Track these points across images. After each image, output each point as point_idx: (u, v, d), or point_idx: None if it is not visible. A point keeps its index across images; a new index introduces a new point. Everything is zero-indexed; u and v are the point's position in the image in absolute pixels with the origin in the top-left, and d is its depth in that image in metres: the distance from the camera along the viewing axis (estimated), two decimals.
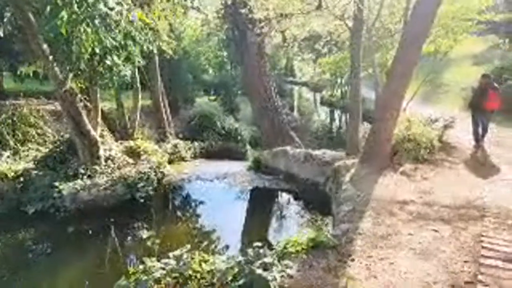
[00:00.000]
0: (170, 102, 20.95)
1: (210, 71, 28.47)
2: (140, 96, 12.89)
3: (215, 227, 7.82)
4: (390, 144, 8.36)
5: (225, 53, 25.64)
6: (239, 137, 16.86)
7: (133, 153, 10.23)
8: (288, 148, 10.40)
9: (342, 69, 20.32)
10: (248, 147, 17.01)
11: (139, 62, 6.93)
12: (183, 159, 13.78)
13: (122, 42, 6.59)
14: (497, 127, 11.76)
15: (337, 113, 30.18)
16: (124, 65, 6.77)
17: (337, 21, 10.02)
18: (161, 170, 10.08)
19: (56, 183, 8.04)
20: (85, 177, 8.41)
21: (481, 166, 8.50)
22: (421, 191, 6.75)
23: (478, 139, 9.32)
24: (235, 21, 11.93)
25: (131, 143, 10.66)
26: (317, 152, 9.53)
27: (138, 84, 12.64)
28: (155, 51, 10.15)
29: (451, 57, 23.80)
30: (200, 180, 10.34)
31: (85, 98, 9.63)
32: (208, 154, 15.75)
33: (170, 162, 13.04)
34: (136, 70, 12.33)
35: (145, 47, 6.80)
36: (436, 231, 4.88)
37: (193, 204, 9.33)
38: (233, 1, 8.20)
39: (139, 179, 8.85)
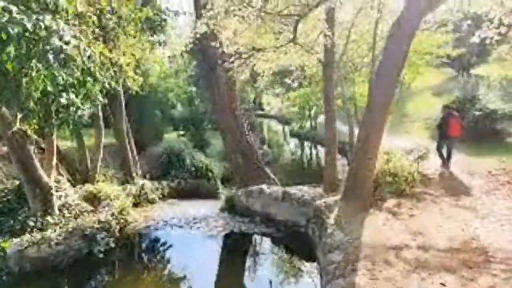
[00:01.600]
0: (137, 139, 20.03)
1: (179, 106, 27.97)
2: (103, 134, 11.95)
3: (185, 277, 6.93)
4: (372, 179, 8.02)
5: (194, 89, 25.35)
6: (210, 174, 16.04)
7: (93, 199, 9.19)
8: (264, 186, 9.78)
9: (311, 102, 20.51)
10: (219, 184, 16.18)
11: (99, 100, 6.20)
12: (150, 201, 12.75)
13: (81, 79, 5.88)
14: (466, 157, 11.97)
15: (306, 145, 30.27)
16: (82, 104, 6.01)
17: (308, 55, 9.90)
18: (124, 216, 9.04)
19: None
20: (34, 230, 7.25)
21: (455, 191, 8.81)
22: (412, 232, 6.33)
23: (444, 160, 10.12)
24: (204, 56, 11.60)
25: (91, 187, 9.62)
26: (294, 191, 8.97)
27: (101, 122, 11.74)
28: (119, 88, 9.49)
29: (413, 88, 24.97)
30: (169, 226, 9.36)
31: (41, 139, 8.67)
32: (178, 194, 14.78)
33: (136, 205, 11.99)
34: (99, 107, 11.50)
35: (106, 84, 6.12)
36: (443, 285, 4.37)
37: (160, 254, 8.31)
38: (202, 36, 7.83)
39: (98, 229, 7.78)
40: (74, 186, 10.23)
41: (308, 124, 30.94)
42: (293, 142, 33.96)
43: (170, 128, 26.19)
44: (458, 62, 22.15)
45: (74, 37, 5.36)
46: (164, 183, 14.60)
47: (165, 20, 9.98)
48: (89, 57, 5.38)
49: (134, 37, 10.40)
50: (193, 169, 15.99)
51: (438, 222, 7.11)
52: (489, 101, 13.99)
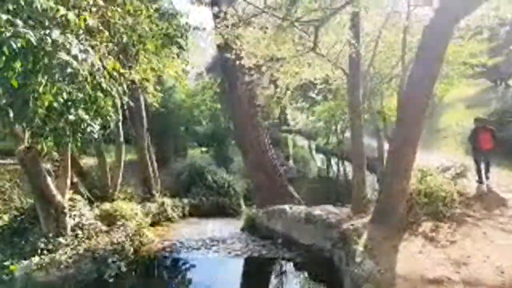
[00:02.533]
0: (159, 155, 20.04)
1: (204, 122, 28.17)
2: (123, 151, 11.85)
3: None
4: (405, 200, 7.26)
5: (219, 105, 25.39)
6: (232, 192, 15.58)
7: (109, 218, 8.93)
8: (286, 207, 9.16)
9: (337, 116, 19.81)
10: (242, 202, 15.66)
11: (110, 117, 5.95)
12: (169, 219, 12.43)
13: (91, 94, 5.65)
14: (509, 172, 10.96)
15: (333, 161, 29.31)
16: (93, 120, 5.77)
17: (332, 67, 9.39)
18: (139, 238, 8.69)
19: (7, 262, 6.62)
20: (45, 252, 7.00)
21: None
22: (454, 261, 5.52)
23: (480, 175, 9.63)
24: (224, 71, 11.36)
25: (107, 206, 9.38)
26: (319, 212, 8.28)
27: (121, 138, 11.65)
28: (139, 103, 9.33)
29: (445, 101, 23.70)
30: (186, 248, 8.88)
31: (58, 156, 8.58)
32: (199, 212, 14.40)
33: (155, 224, 11.69)
34: (120, 123, 11.44)
35: (118, 100, 5.86)
36: None
37: (174, 279, 7.83)
38: (223, 50, 7.57)
39: (110, 251, 7.44)
40: (92, 204, 10.06)
41: (334, 139, 30.07)
42: (319, 158, 33.08)
43: (194, 144, 26.24)
44: (495, 72, 20.79)
45: (84, 51, 5.13)
46: (185, 200, 14.28)
47: (186, 37, 9.81)
48: (98, 70, 5.14)
49: (155, 54, 10.30)
50: (214, 186, 15.61)
51: (483, 249, 6.25)
52: None
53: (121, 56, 9.81)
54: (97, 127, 5.81)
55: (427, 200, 7.72)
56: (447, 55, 14.15)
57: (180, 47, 9.08)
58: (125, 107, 12.14)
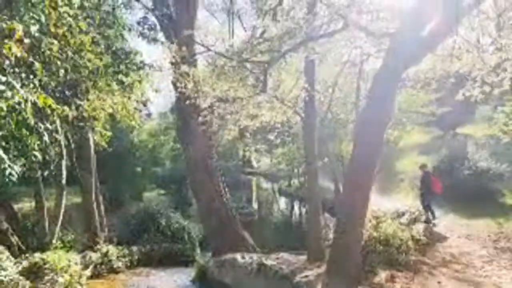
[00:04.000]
0: (112, 198, 18.78)
1: (167, 163, 27.31)
2: (64, 194, 10.83)
3: None
4: (360, 248, 6.96)
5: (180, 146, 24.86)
6: (187, 238, 14.61)
7: (38, 272, 7.82)
8: (238, 256, 8.54)
9: (297, 159, 19.92)
10: (197, 249, 14.67)
11: (35, 157, 5.32)
12: (114, 270, 11.23)
13: (14, 132, 5.05)
14: (460, 218, 11.21)
15: (296, 204, 29.06)
16: (14, 161, 5.10)
17: (292, 112, 9.41)
18: None
19: None
20: None
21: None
22: None
23: (427, 211, 10.39)
24: (179, 111, 11.05)
25: (37, 257, 8.26)
26: (271, 262, 7.75)
27: (63, 180, 10.70)
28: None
29: (400, 147, 24.72)
30: None
31: None
32: (150, 261, 13.25)
33: (96, 276, 10.51)
34: (63, 164, 10.57)
35: (46, 138, 5.29)
36: None
37: None
38: (177, 90, 7.34)
39: None
40: (21, 256, 8.88)
41: (296, 182, 30.09)
42: (283, 201, 32.73)
43: (152, 186, 25.11)
44: (443, 121, 22.18)
45: (6, 83, 4.61)
46: (134, 248, 13.10)
47: (139, 75, 9.51)
48: (19, 105, 4.60)
49: (106, 92, 9.86)
50: (168, 231, 14.60)
51: None
52: (479, 160, 13.48)
53: (67, 93, 9.32)
54: (18, 168, 5.13)
55: (382, 248, 7.51)
56: (401, 104, 14.98)
57: (129, 85, 8.72)
58: (72, 146, 11.38)
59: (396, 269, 7.28)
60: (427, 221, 10.09)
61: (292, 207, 28.86)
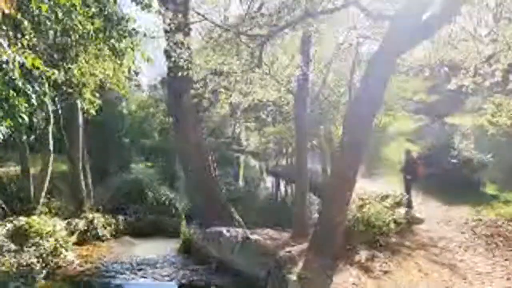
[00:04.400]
0: (99, 168, 18.60)
1: (156, 136, 27.01)
2: (51, 160, 10.68)
3: None
4: (343, 227, 7.14)
5: (171, 119, 24.55)
6: (173, 210, 14.70)
7: (23, 236, 7.80)
8: (223, 229, 8.67)
9: (286, 139, 19.99)
10: (184, 222, 14.81)
11: (22, 119, 5.18)
12: (99, 238, 11.29)
13: (1, 93, 4.89)
14: (442, 205, 11.50)
15: (282, 183, 29.36)
16: None
17: (282, 90, 9.34)
18: (54, 259, 7.64)
19: None
20: None
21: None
22: None
23: (409, 193, 10.58)
24: (170, 83, 10.82)
25: (22, 221, 8.23)
26: (256, 236, 7.90)
27: (50, 146, 10.52)
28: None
29: (387, 133, 25.00)
30: (108, 272, 7.97)
31: None
32: (135, 231, 13.31)
33: (81, 243, 10.56)
34: (50, 129, 10.37)
35: (34, 100, 5.14)
36: None
37: None
38: (169, 60, 7.17)
39: (15, 274, 6.40)
40: (6, 219, 8.83)
41: (284, 162, 30.30)
42: (269, 180, 33.01)
43: (141, 159, 24.95)
44: (433, 109, 22.44)
45: None
46: (120, 218, 13.15)
47: (131, 42, 9.20)
48: (7, 64, 4.44)
49: (97, 57, 9.57)
50: (155, 203, 14.65)
51: (415, 281, 6.25)
52: (464, 150, 13.75)
53: (56, 56, 9.01)
54: (4, 130, 5.01)
55: (364, 229, 7.71)
56: (391, 90, 15.02)
57: (121, 52, 8.45)
58: (59, 112, 11.13)
59: (376, 250, 7.50)
60: (409, 205, 10.32)
61: (278, 186, 29.19)
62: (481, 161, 13.16)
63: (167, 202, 14.85)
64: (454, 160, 13.21)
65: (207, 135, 12.18)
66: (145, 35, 9.29)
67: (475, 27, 8.69)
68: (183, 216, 15.19)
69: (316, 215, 10.69)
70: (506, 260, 7.34)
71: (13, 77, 4.88)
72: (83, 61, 9.49)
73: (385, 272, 6.46)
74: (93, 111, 9.99)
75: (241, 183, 28.58)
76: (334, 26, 8.98)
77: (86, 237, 10.90)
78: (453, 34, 8.81)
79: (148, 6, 9.01)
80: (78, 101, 11.26)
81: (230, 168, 29.51)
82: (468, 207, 11.08)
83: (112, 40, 7.27)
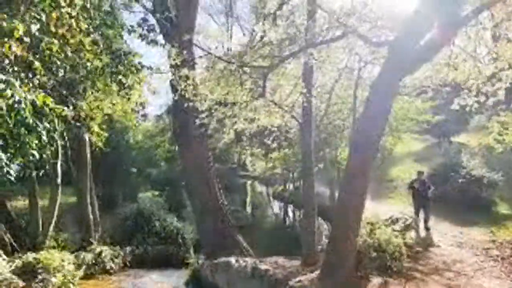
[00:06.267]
0: (106, 199, 18.65)
1: (162, 165, 27.21)
2: (59, 193, 10.77)
3: None
4: (354, 253, 7.00)
5: (177, 148, 24.81)
6: (181, 240, 14.57)
7: (31, 271, 7.76)
8: (232, 259, 8.54)
9: (292, 164, 19.97)
10: (192, 252, 14.62)
11: (33, 156, 5.31)
12: (107, 271, 11.17)
13: (13, 131, 5.04)
14: (453, 226, 11.25)
15: (290, 208, 29.07)
16: (11, 160, 5.09)
17: (289, 117, 9.47)
18: None
19: None
20: None
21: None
22: None
23: (419, 221, 10.49)
24: (176, 113, 11.03)
25: (30, 257, 8.21)
26: (265, 266, 7.75)
27: (59, 180, 10.64)
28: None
29: (395, 154, 24.88)
30: None
31: None
32: (143, 262, 13.20)
33: (89, 276, 10.44)
34: (58, 164, 10.52)
35: (44, 137, 5.28)
36: None
37: None
38: (175, 91, 7.36)
39: None
40: (14, 255, 8.81)
41: (291, 187, 30.13)
42: (277, 205, 32.70)
43: (147, 187, 25.01)
44: (438, 129, 22.38)
45: (4, 81, 4.62)
46: (128, 249, 13.08)
47: (137, 77, 9.49)
48: (19, 104, 4.60)
49: (104, 92, 9.85)
50: (162, 233, 14.57)
51: None
52: (473, 168, 13.61)
53: (64, 92, 9.29)
54: (15, 167, 5.12)
55: (376, 255, 7.55)
56: (396, 111, 15.08)
57: (128, 87, 8.70)
58: (67, 146, 11.32)
59: (389, 276, 7.31)
60: (426, 227, 10.23)
61: (286, 211, 28.87)
62: (491, 180, 13.00)
63: (174, 232, 14.78)
64: (462, 180, 13.06)
65: (213, 162, 12.23)
66: (150, 68, 9.61)
67: (475, 47, 8.83)
68: (191, 246, 15.06)
69: (325, 240, 10.52)
70: None
71: (25, 116, 5.03)
72: (91, 96, 9.77)
73: None
74: (100, 144, 10.16)
75: (248, 209, 28.35)
76: (335, 53, 9.18)
77: (94, 271, 10.80)
78: (453, 55, 8.94)
79: (153, 42, 9.37)
80: (86, 135, 11.51)
81: (237, 195, 29.41)
82: (480, 227, 10.86)
83: (120, 76, 7.47)
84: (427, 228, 10.27)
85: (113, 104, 10.22)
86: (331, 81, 12.35)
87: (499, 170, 13.74)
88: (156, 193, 23.31)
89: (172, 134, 21.43)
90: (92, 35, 7.64)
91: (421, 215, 10.51)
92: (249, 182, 41.78)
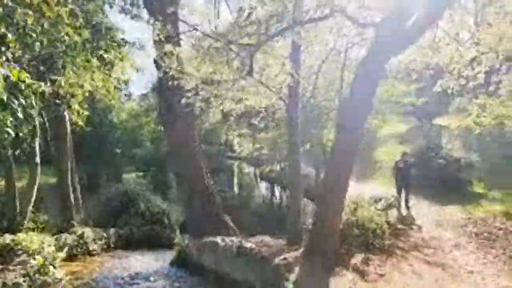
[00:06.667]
0: (89, 179, 18.36)
1: (148, 145, 26.78)
2: (38, 173, 10.46)
3: None
4: (338, 231, 7.15)
5: (162, 128, 24.41)
6: (166, 221, 14.56)
7: (8, 254, 7.58)
8: (218, 239, 8.57)
9: (279, 144, 20.02)
10: (178, 232, 14.64)
11: (8, 134, 5.09)
12: (90, 253, 11.09)
13: None
14: (432, 205, 11.59)
15: (277, 189, 29.34)
16: None
17: (274, 96, 9.38)
18: (42, 277, 7.41)
19: None
20: None
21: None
22: None
23: (401, 200, 10.78)
24: (161, 92, 10.77)
25: (7, 239, 8.01)
26: (251, 245, 7.83)
27: (37, 159, 10.31)
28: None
29: (380, 136, 25.26)
30: None
31: None
32: (128, 243, 13.18)
33: (71, 258, 10.33)
34: (36, 142, 10.18)
35: (20, 114, 5.06)
36: None
37: None
38: (160, 69, 7.14)
39: None
40: None
41: (278, 167, 30.31)
42: (264, 185, 32.95)
43: (132, 169, 24.69)
44: (422, 112, 22.74)
45: None
46: (112, 231, 12.97)
47: (119, 52, 9.15)
48: None
49: (85, 68, 9.48)
50: (148, 214, 14.49)
51: (409, 283, 6.28)
52: (452, 150, 13.97)
53: (42, 68, 8.91)
54: None
55: (359, 232, 7.74)
56: (381, 94, 15.19)
57: (110, 63, 8.41)
58: (46, 124, 10.95)
59: (371, 252, 7.53)
60: (407, 206, 10.58)
61: (273, 192, 29.15)
62: (468, 161, 13.38)
63: (160, 213, 14.73)
64: (441, 161, 13.40)
65: (199, 143, 12.10)
66: (134, 45, 9.29)
67: (458, 31, 8.91)
68: (177, 227, 15.07)
69: (310, 220, 10.70)
70: (496, 257, 7.45)
71: None
72: (71, 72, 9.40)
73: (381, 275, 6.48)
74: (81, 122, 9.87)
75: (235, 190, 28.47)
76: (323, 34, 9.06)
77: (76, 252, 10.69)
78: (437, 38, 9.01)
79: (137, 17, 9.03)
80: (66, 113, 11.13)
81: (224, 176, 29.42)
82: (458, 206, 11.22)
83: (101, 51, 7.19)
84: (407, 207, 10.57)
85: (94, 81, 9.85)
86: (318, 62, 12.26)
87: (476, 151, 14.16)
88: (141, 174, 23.07)
89: (157, 114, 21.06)
90: (70, 7, 7.28)
91: (403, 194, 10.77)
92: (236, 163, 41.81)
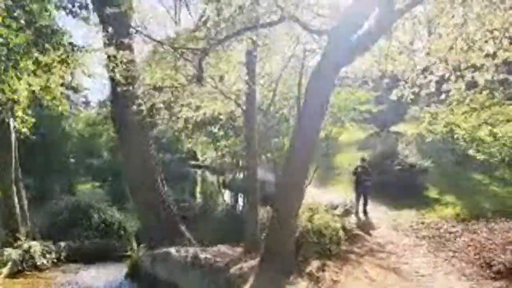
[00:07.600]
0: (39, 191, 17.25)
1: (105, 155, 25.64)
2: None
3: None
4: (293, 238, 7.12)
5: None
6: (122, 232, 13.91)
7: None
8: (172, 249, 8.26)
9: (240, 153, 19.92)
10: (134, 244, 14.01)
11: None
12: (37, 268, 10.32)
13: None
14: (390, 211, 11.91)
15: (240, 197, 29.13)
16: None
17: (231, 103, 9.29)
18: None
19: None
20: None
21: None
22: None
23: (359, 206, 10.95)
24: (114, 98, 10.31)
25: None
26: (206, 255, 7.63)
27: None
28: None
29: (340, 143, 25.94)
30: None
31: None
32: (81, 257, 12.39)
33: (16, 274, 9.57)
34: None
35: None
36: None
37: None
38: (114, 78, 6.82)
39: None
40: None
41: (241, 175, 30.14)
42: (227, 193, 32.62)
43: (88, 179, 23.52)
44: (380, 119, 23.62)
45: None
46: (62, 244, 12.19)
47: (59, 56, 8.59)
48: None
49: (28, 74, 8.86)
50: (102, 226, 13.79)
51: None
52: (407, 157, 14.55)
53: None
54: None
55: (315, 239, 7.76)
56: (340, 101, 15.58)
57: (46, 65, 7.92)
58: None
59: (327, 259, 7.55)
60: (364, 212, 10.79)
61: (236, 200, 28.91)
62: (423, 167, 13.98)
63: (115, 224, 14.07)
64: (398, 167, 13.90)
65: (157, 151, 11.69)
66: (81, 49, 8.83)
67: (412, 41, 9.30)
68: (133, 238, 14.44)
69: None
70: (445, 260, 7.74)
71: None
72: (14, 77, 8.76)
73: (335, 282, 6.50)
74: (25, 130, 9.21)
75: (198, 199, 27.88)
76: (279, 41, 9.13)
77: (21, 268, 9.91)
78: (391, 47, 9.34)
79: (85, 20, 8.61)
80: (9, 119, 10.36)
81: (187, 185, 28.75)
82: (413, 211, 11.56)
83: (36, 53, 6.76)
84: (365, 212, 10.78)
85: (30, 86, 9.21)
86: (278, 69, 12.36)
87: (429, 157, 14.85)
88: (98, 184, 22.01)
89: (112, 122, 20.23)
90: (11, 9, 6.84)
91: (361, 200, 10.96)
92: (199, 171, 41.10)
